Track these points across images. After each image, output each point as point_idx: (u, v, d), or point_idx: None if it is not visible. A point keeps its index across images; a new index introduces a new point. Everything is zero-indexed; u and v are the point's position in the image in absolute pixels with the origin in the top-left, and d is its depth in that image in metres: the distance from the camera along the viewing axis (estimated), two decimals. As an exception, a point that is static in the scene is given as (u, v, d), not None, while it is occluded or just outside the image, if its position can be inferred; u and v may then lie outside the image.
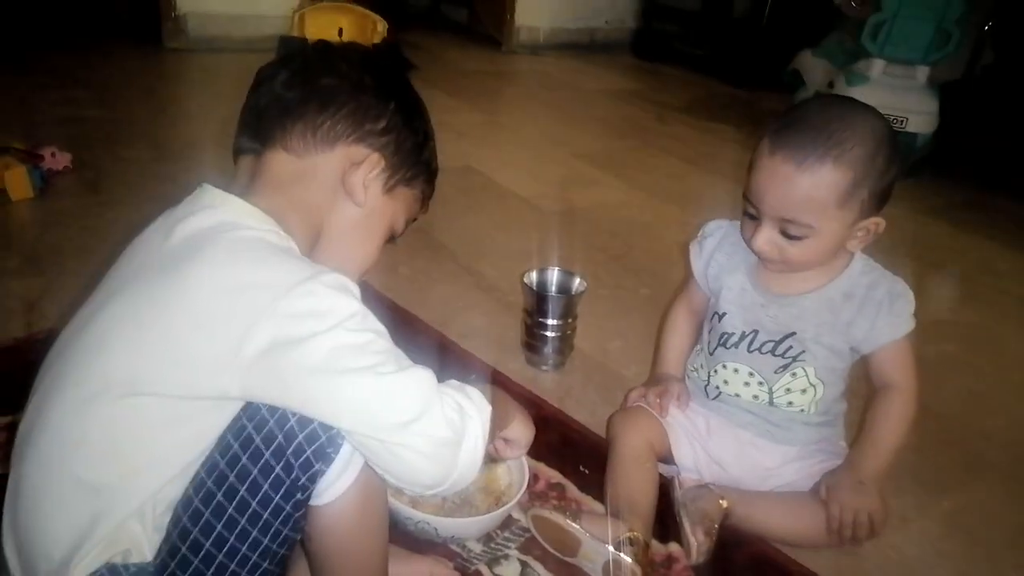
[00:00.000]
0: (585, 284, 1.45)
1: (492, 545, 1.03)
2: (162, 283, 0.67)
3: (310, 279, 0.65)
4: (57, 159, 1.99)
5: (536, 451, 1.17)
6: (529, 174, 2.48)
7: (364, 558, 0.76)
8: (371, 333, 0.66)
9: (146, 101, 2.78)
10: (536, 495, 1.12)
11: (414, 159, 0.83)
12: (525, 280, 1.43)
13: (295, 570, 0.86)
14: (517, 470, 1.08)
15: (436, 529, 0.97)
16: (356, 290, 0.69)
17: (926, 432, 1.35)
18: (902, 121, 2.69)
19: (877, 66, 2.77)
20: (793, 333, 1.06)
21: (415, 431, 0.64)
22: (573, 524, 0.98)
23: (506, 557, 1.01)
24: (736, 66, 3.95)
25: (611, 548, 0.96)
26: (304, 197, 0.77)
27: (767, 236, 0.99)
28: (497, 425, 0.79)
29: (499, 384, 1.20)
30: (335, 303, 0.65)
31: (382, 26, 3.18)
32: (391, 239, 0.87)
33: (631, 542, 0.97)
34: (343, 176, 0.78)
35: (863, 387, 1.12)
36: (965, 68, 3.28)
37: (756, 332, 1.09)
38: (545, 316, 1.41)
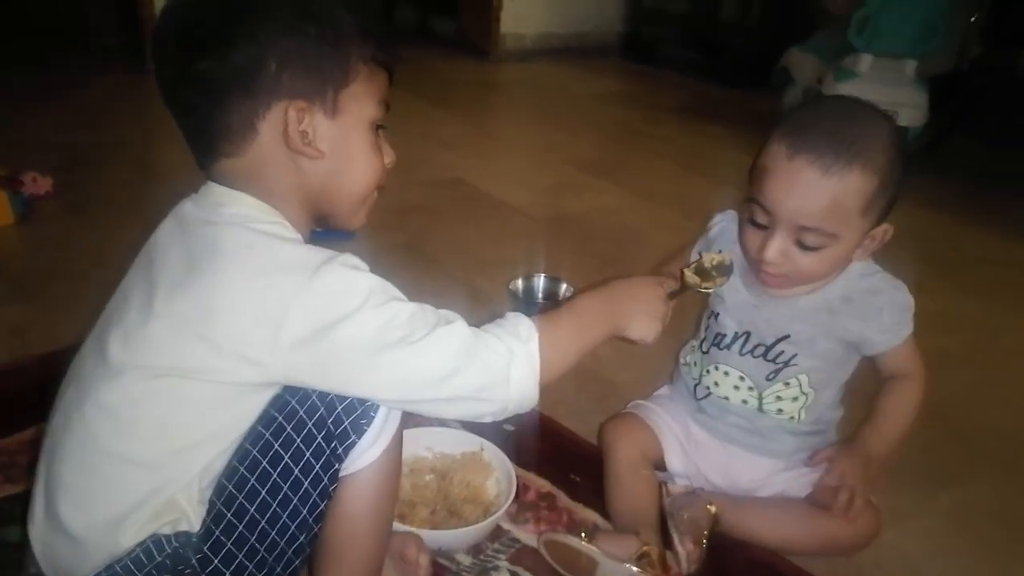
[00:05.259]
0: (572, 289, 1.43)
1: (481, 557, 1.01)
2: (193, 280, 0.68)
3: (327, 262, 0.68)
4: (38, 184, 1.97)
5: (526, 460, 1.16)
6: (520, 183, 2.47)
7: (376, 532, 0.79)
8: (394, 303, 0.69)
9: (130, 123, 2.76)
10: (526, 505, 1.10)
11: (328, 58, 0.72)
12: (511, 288, 1.41)
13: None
14: (505, 480, 1.07)
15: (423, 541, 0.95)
16: (364, 264, 0.71)
17: (926, 427, 1.33)
18: (892, 115, 2.66)
19: (865, 61, 2.76)
20: (787, 336, 1.03)
21: (454, 385, 0.70)
22: (589, 545, 0.95)
23: (496, 568, 0.99)
24: (726, 67, 3.94)
25: (633, 567, 0.93)
26: (275, 184, 0.74)
27: (781, 246, 0.93)
28: (613, 328, 0.88)
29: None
30: (354, 282, 0.68)
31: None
32: (380, 128, 0.79)
33: (646, 555, 0.95)
34: (286, 145, 0.72)
35: (864, 387, 1.08)
36: (954, 61, 3.26)
37: (749, 334, 1.06)
38: (533, 323, 1.39)
